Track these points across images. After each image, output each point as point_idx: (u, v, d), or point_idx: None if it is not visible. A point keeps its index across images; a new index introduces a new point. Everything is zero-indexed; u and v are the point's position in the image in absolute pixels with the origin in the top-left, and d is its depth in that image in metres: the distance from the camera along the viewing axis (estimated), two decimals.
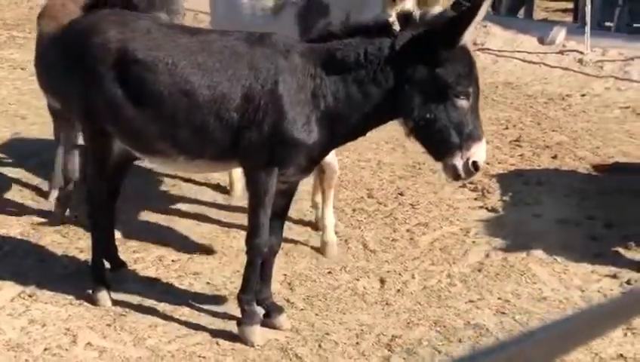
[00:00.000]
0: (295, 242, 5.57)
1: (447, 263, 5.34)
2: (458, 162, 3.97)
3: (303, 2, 5.19)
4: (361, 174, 6.90)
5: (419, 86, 3.91)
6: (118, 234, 5.25)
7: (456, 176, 4.05)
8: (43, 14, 5.69)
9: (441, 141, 3.96)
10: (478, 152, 3.97)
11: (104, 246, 4.78)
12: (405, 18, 3.97)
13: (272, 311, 4.48)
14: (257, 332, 4.30)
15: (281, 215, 4.43)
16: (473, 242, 5.65)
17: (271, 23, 5.19)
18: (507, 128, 8.25)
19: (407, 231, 5.81)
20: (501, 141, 7.82)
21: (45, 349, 4.19)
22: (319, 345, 4.35)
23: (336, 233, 5.58)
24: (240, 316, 4.36)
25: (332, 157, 5.36)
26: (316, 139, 4.09)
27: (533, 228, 5.87)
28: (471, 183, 6.61)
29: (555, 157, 7.38)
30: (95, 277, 4.67)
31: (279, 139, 4.04)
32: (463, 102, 3.92)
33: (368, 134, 7.36)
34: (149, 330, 4.38)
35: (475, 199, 6.42)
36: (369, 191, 6.53)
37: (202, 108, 4.07)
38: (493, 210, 6.20)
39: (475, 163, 3.97)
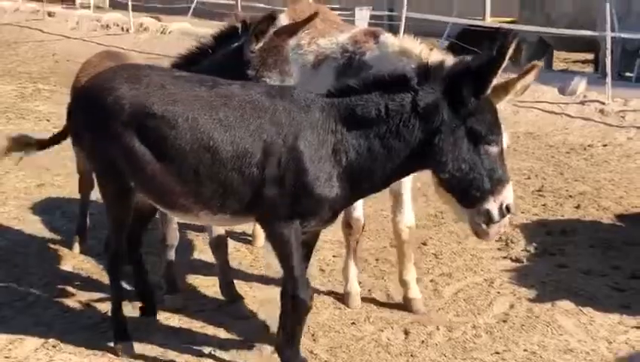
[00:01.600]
0: (318, 292, 5.54)
1: (471, 314, 5.28)
2: (492, 206, 3.97)
3: (344, 60, 5.26)
4: (384, 224, 6.88)
5: (450, 138, 3.89)
6: None
7: (489, 220, 4.03)
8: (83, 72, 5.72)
9: (475, 189, 3.94)
10: (509, 195, 3.98)
11: (141, 292, 4.83)
12: (425, 71, 3.98)
13: None
14: None
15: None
16: (498, 293, 5.60)
17: (309, 77, 5.27)
18: (529, 178, 8.24)
19: (431, 281, 5.77)
20: (524, 191, 7.80)
21: None
22: None
23: (359, 283, 5.55)
24: None
25: (359, 212, 5.36)
26: (339, 193, 4.08)
27: (558, 278, 5.81)
28: None
29: (578, 207, 7.35)
30: (116, 328, 4.65)
31: (301, 194, 4.02)
32: (494, 149, 3.93)
33: None
34: None
35: (499, 249, 6.38)
36: (392, 241, 6.50)
37: (225, 164, 4.05)
38: (517, 260, 6.15)
39: (507, 206, 3.98)
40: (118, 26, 16.86)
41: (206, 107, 4.11)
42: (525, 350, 4.83)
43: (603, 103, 10.27)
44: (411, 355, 4.78)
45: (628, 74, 11.56)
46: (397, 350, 4.83)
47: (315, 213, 4.12)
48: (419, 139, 3.94)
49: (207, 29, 15.82)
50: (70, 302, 5.25)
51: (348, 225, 5.39)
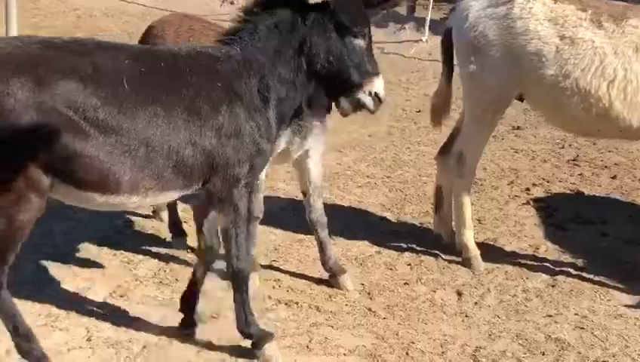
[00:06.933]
0: (369, 254, 5.68)
1: (520, 278, 5.42)
2: (362, 96, 4.19)
3: None
4: (424, 189, 6.99)
5: (321, 36, 4.09)
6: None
7: (357, 108, 4.26)
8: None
9: (344, 79, 4.14)
10: (379, 85, 4.21)
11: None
12: None
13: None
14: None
15: None
16: (544, 258, 5.73)
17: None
18: (563, 147, 8.32)
19: (477, 244, 5.89)
20: (559, 160, 7.89)
21: (144, 347, 4.33)
22: (406, 353, 4.46)
23: (407, 245, 5.72)
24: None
25: None
26: (275, 129, 4.19)
27: (601, 246, 5.95)
28: (535, 201, 6.73)
29: (614, 177, 7.45)
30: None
31: (253, 144, 4.02)
32: (360, 42, 4.13)
33: (428, 150, 7.50)
34: None
35: (540, 216, 6.50)
36: (433, 206, 6.62)
37: (174, 137, 3.84)
38: (560, 227, 6.28)
39: (377, 93, 4.20)
40: None
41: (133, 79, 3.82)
42: (576, 314, 4.99)
43: None
44: (466, 316, 4.93)
45: None
46: (452, 310, 4.98)
47: (264, 164, 4.24)
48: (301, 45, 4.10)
49: None
50: (130, 255, 5.38)
51: None
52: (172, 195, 4.03)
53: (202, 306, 4.73)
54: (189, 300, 4.50)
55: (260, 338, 4.28)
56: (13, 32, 11.71)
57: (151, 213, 5.93)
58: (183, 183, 3.93)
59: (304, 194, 5.19)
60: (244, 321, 4.27)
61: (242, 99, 3.99)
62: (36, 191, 3.68)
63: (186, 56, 4.03)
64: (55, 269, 5.11)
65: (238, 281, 4.23)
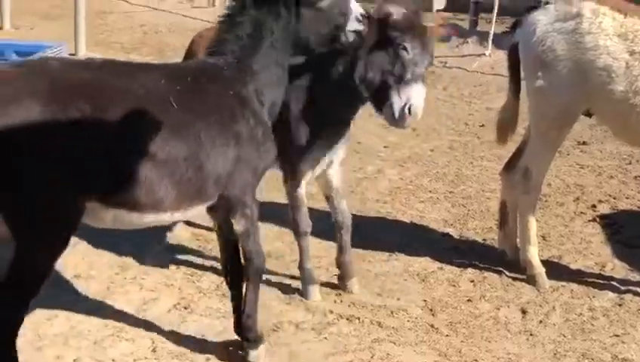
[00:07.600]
0: (431, 270, 5.63)
1: (587, 297, 5.32)
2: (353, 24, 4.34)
3: None
4: (487, 204, 6.92)
5: None
6: None
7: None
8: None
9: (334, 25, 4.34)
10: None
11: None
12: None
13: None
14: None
15: None
16: (611, 276, 5.61)
17: None
18: (630, 163, 8.14)
19: (542, 262, 5.80)
20: (626, 176, 7.73)
21: (207, 359, 4.37)
22: None
23: (470, 262, 5.66)
24: None
25: None
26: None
27: None
28: (601, 218, 6.59)
29: None
30: None
31: (263, 152, 4.16)
32: None
33: (491, 165, 7.41)
34: (302, 346, 4.51)
35: (607, 233, 6.37)
36: (497, 222, 6.54)
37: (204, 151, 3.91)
38: (627, 244, 6.14)
39: (362, 13, 4.32)
40: None
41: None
42: None
43: None
44: (530, 334, 4.85)
45: None
46: (516, 328, 4.91)
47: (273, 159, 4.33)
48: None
49: None
50: (194, 267, 5.45)
51: None
52: (206, 206, 4.10)
53: (263, 319, 4.79)
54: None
55: (258, 338, 4.37)
56: (82, 47, 12.03)
57: (212, 226, 5.99)
58: (214, 193, 4.02)
59: (327, 198, 5.25)
60: (254, 316, 4.33)
61: (249, 104, 4.10)
62: (79, 218, 3.67)
63: (202, 69, 4.15)
64: (121, 281, 5.21)
65: (256, 277, 4.31)
